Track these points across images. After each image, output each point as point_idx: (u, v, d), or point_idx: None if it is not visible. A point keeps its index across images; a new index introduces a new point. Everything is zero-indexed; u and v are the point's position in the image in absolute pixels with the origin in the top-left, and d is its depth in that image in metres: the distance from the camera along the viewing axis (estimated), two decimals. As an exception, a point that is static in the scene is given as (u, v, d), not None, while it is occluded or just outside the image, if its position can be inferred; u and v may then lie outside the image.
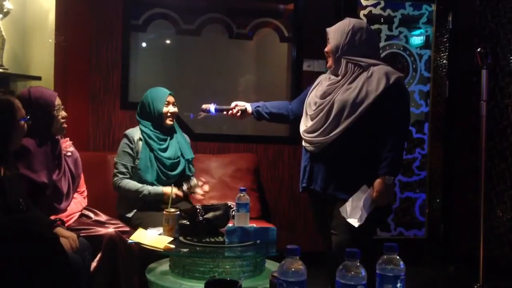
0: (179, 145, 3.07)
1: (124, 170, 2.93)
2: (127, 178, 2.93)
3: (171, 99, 3.03)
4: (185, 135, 3.24)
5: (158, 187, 2.91)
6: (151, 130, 2.99)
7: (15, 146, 2.14)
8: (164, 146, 2.99)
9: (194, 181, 3.04)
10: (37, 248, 1.80)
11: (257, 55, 4.50)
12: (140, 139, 2.97)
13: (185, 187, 2.98)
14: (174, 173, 2.98)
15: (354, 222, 2.19)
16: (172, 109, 3.02)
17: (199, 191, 3.01)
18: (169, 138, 3.04)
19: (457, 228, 4.15)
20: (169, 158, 2.97)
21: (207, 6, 4.09)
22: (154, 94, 3.04)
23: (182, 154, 3.05)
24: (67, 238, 2.19)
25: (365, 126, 2.24)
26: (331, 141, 2.26)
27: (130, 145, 2.96)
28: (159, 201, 2.88)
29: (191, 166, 3.13)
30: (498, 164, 3.96)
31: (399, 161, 2.27)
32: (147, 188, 2.88)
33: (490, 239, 3.88)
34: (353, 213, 2.20)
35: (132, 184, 2.90)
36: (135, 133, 3.00)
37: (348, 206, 2.21)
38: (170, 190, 2.77)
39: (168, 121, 3.02)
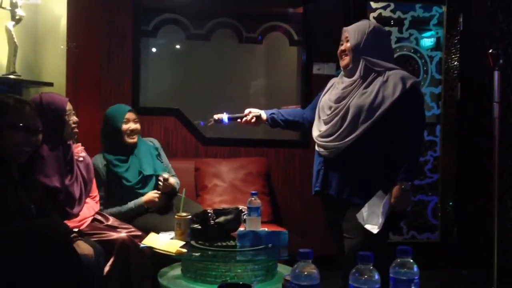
0: (139, 162, 2.97)
1: (101, 200, 2.91)
2: (108, 204, 2.92)
3: (131, 116, 2.97)
4: (152, 143, 3.17)
5: (139, 199, 2.90)
6: (113, 154, 2.95)
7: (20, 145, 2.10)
8: (125, 168, 2.93)
9: (164, 175, 2.95)
10: (51, 252, 1.81)
11: (267, 59, 4.51)
12: (105, 165, 2.96)
13: (160, 184, 2.93)
14: (143, 190, 2.94)
15: (373, 228, 2.17)
16: (133, 126, 2.96)
17: (171, 180, 2.95)
18: (129, 157, 2.97)
19: (471, 231, 4.11)
20: (130, 181, 2.92)
21: (216, 11, 4.10)
22: (113, 111, 3.00)
23: (144, 171, 2.98)
24: (86, 255, 2.20)
25: (380, 131, 2.22)
26: (346, 146, 2.25)
27: (99, 175, 2.92)
28: (147, 210, 2.90)
29: (164, 173, 3.04)
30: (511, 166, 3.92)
31: (416, 166, 2.27)
32: (128, 206, 2.89)
33: (504, 242, 3.83)
34: (370, 219, 2.18)
35: (115, 209, 2.90)
36: (99, 160, 2.96)
37: (364, 212, 2.19)
38: (149, 197, 2.82)
39: (129, 139, 2.95)
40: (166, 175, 2.93)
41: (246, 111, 2.61)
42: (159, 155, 3.16)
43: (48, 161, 2.38)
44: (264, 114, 2.59)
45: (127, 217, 2.87)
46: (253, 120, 2.57)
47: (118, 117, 2.95)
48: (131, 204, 2.89)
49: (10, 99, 2.09)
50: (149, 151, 3.08)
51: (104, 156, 2.97)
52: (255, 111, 2.59)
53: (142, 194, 2.92)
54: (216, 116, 2.62)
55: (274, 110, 2.62)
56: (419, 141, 2.32)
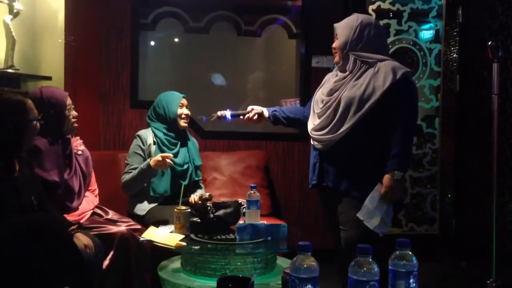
0: (188, 151, 3.08)
1: (131, 171, 2.92)
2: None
3: (184, 101, 3.07)
4: (195, 140, 3.25)
5: (147, 160, 2.87)
6: (164, 134, 3.00)
7: (28, 145, 2.16)
8: (175, 151, 2.99)
9: (199, 192, 2.97)
10: (51, 246, 1.82)
11: (266, 52, 4.49)
12: (154, 142, 2.98)
13: (192, 198, 2.87)
14: (184, 182, 2.94)
15: (370, 224, 2.17)
16: (186, 111, 3.05)
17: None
18: (179, 143, 3.05)
19: (469, 223, 4.12)
20: (179, 165, 2.98)
21: (215, 4, 4.09)
22: (168, 97, 3.07)
23: (190, 161, 3.06)
24: (85, 246, 2.21)
25: (373, 122, 2.22)
26: (339, 138, 2.25)
27: (142, 146, 2.97)
28: (171, 191, 2.88)
29: (198, 171, 3.15)
30: (510, 158, 3.93)
31: (407, 156, 2.24)
32: (139, 166, 2.87)
33: (502, 234, 3.85)
34: (369, 215, 2.18)
35: (129, 175, 2.90)
36: (148, 135, 3.01)
37: (364, 208, 2.19)
38: (157, 157, 2.79)
39: (183, 123, 3.03)
40: (208, 197, 2.85)
41: (249, 108, 2.63)
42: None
43: (47, 155, 2.38)
44: (266, 112, 2.61)
45: (139, 180, 2.87)
46: (255, 117, 2.60)
47: (174, 103, 3.02)
48: (141, 165, 2.88)
49: (21, 95, 2.13)
50: (194, 145, 3.19)
51: (155, 133, 3.01)
52: (257, 109, 2.61)
53: (179, 183, 2.87)
54: (219, 113, 2.65)
55: (276, 108, 2.63)
56: (411, 131, 2.29)
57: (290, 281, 1.29)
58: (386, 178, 2.18)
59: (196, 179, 3.12)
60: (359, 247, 1.27)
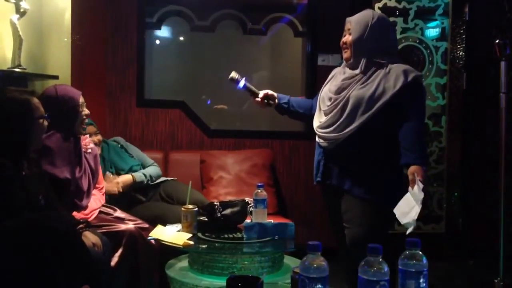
0: (110, 163, 3.03)
1: None
2: None
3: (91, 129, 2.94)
4: (116, 142, 3.20)
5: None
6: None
7: (36, 144, 2.16)
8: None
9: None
10: (59, 244, 1.82)
11: (272, 50, 4.49)
12: None
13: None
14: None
15: (414, 216, 2.11)
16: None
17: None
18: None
19: (476, 222, 4.10)
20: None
21: (220, 2, 4.09)
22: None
23: (112, 167, 3.01)
24: (93, 245, 2.22)
25: (380, 122, 2.21)
26: (345, 137, 2.24)
27: None
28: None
29: (137, 169, 3.10)
30: (518, 156, 3.90)
31: (427, 152, 2.26)
32: None
33: (509, 233, 3.82)
34: (408, 215, 2.13)
35: None
36: None
37: (400, 211, 2.14)
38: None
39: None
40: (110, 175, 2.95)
41: (263, 92, 2.55)
42: (126, 151, 3.19)
43: (59, 153, 2.39)
44: (277, 100, 2.55)
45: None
46: (263, 104, 2.54)
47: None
48: None
49: (27, 93, 2.13)
50: (115, 151, 3.12)
51: None
52: (271, 95, 2.54)
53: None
54: (234, 73, 2.54)
55: (286, 99, 2.57)
56: (423, 131, 2.30)
57: (300, 281, 1.29)
58: (419, 169, 2.11)
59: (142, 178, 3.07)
60: (369, 247, 1.26)
